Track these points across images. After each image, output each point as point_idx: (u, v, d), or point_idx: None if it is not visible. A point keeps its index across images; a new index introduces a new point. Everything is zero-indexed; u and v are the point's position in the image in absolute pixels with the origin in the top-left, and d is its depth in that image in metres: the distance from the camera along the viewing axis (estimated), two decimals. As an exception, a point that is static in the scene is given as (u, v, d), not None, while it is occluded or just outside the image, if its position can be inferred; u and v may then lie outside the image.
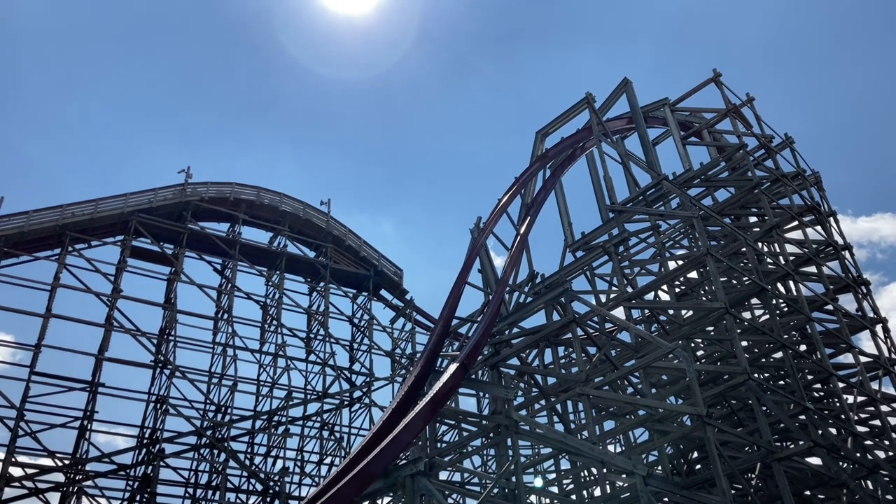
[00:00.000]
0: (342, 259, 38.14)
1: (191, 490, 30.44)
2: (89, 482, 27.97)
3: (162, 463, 28.47)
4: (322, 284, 36.76)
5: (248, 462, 31.35)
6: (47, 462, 27.26)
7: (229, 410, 31.88)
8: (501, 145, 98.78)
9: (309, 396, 34.04)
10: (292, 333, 34.84)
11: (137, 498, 27.79)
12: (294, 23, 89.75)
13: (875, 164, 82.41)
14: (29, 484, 26.24)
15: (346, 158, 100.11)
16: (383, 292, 39.45)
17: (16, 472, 25.93)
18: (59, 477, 27.53)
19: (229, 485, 30.11)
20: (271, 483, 30.15)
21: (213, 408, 31.68)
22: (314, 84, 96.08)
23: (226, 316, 33.73)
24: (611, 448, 24.11)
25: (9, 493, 25.48)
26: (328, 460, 33.22)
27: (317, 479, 32.55)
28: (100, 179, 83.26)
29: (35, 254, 30.36)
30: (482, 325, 20.68)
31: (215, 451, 30.61)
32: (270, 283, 35.62)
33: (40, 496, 26.53)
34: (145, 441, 29.82)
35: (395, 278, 39.36)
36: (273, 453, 32.56)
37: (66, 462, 27.62)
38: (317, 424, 34.07)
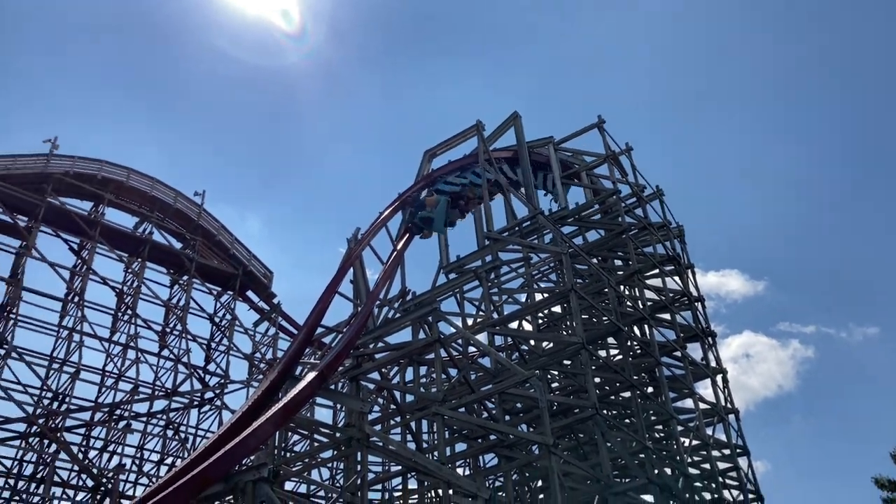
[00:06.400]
0: (210, 254, 36.78)
1: (12, 481, 28.26)
2: None
3: (-18, 450, 26.33)
4: (185, 278, 35.29)
5: (81, 456, 29.44)
6: None
7: (67, 399, 29.91)
8: (380, 158, 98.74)
9: (157, 392, 32.48)
10: (147, 325, 33.15)
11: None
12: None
13: (729, 223, 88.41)
14: None
15: (218, 147, 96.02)
16: (250, 293, 38.30)
17: None
18: None
19: (57, 478, 28.14)
20: (104, 479, 28.45)
21: (49, 395, 29.64)
22: (193, 61, 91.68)
23: (76, 299, 31.71)
24: (459, 470, 24.31)
25: None
26: (169, 460, 31.68)
27: (155, 480, 30.95)
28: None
29: None
30: (347, 336, 20.40)
31: (45, 442, 28.58)
32: (130, 271, 33.85)
33: None
34: (-34, 424, 27.47)
35: (264, 280, 38.33)
36: (110, 448, 30.78)
37: None
38: (161, 422, 32.53)
